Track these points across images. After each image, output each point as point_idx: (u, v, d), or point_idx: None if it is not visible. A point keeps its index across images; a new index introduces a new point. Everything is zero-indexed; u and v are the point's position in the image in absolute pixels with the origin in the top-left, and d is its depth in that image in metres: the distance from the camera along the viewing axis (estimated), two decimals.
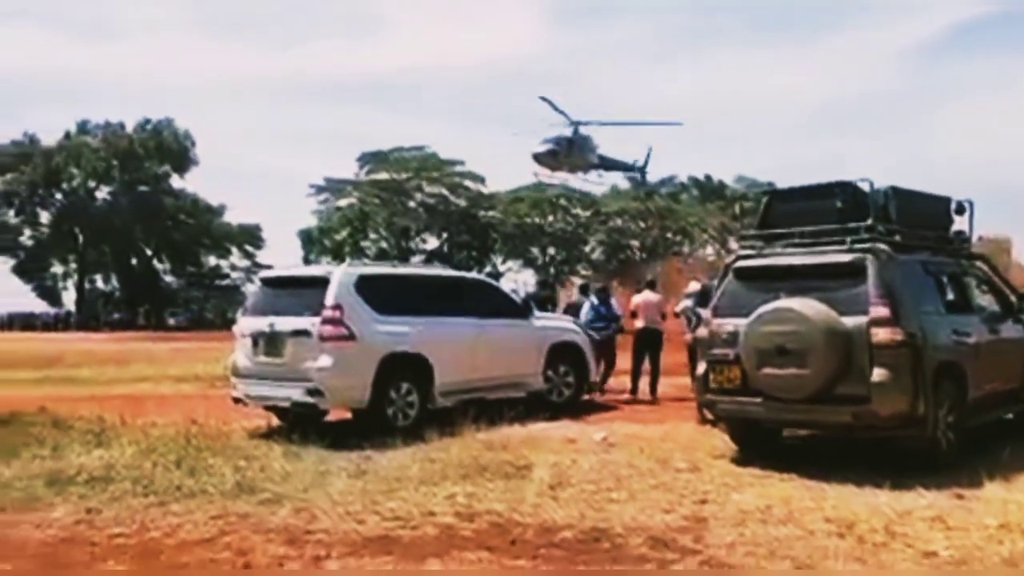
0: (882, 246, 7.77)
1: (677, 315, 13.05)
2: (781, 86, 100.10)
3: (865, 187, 8.33)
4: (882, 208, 8.27)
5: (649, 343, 13.32)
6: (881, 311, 7.40)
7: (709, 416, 9.33)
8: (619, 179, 63.28)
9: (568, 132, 46.88)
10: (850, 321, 7.44)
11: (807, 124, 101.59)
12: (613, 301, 14.49)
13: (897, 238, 8.12)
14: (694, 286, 12.95)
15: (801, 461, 7.82)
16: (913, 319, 7.51)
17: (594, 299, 14.04)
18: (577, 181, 53.03)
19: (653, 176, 64.56)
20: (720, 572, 5.06)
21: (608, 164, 51.68)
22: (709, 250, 57.70)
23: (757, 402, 7.83)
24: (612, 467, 7.91)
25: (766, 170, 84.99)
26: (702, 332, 8.65)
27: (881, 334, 7.34)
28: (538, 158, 48.27)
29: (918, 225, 8.56)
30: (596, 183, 53.48)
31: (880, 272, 7.54)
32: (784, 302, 7.69)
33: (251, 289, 12.09)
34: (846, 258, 7.74)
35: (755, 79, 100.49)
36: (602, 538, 5.74)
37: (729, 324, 8.15)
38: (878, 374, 7.30)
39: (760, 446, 8.42)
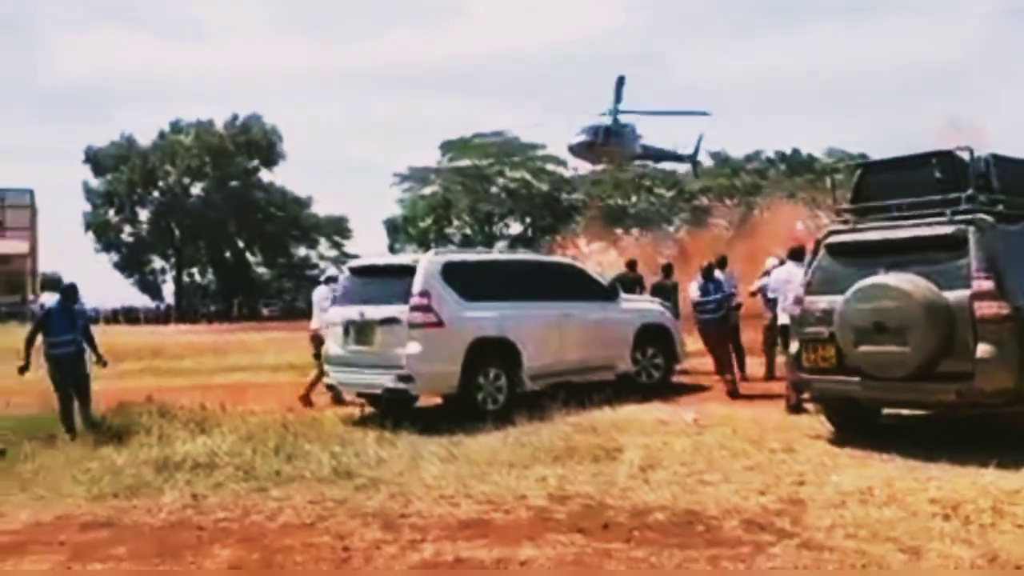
0: (984, 216, 7.45)
1: (753, 294, 12.67)
2: (866, 56, 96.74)
3: (964, 156, 7.99)
4: (983, 177, 7.93)
5: None
6: (984, 284, 7.11)
7: (804, 396, 9.08)
8: (703, 157, 62.28)
9: (607, 121, 43.90)
10: (952, 296, 7.18)
11: (897, 94, 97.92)
12: (721, 276, 12.69)
13: (1000, 208, 7.76)
14: (772, 262, 12.58)
15: (901, 441, 7.62)
16: (1019, 292, 7.18)
17: (699, 276, 12.38)
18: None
19: (738, 152, 63.21)
20: (819, 555, 4.95)
21: (653, 154, 48.30)
22: (799, 226, 56.16)
23: (854, 381, 7.63)
24: (704, 449, 7.82)
25: (857, 142, 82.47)
26: (794, 309, 8.45)
27: (985, 308, 7.07)
28: (574, 150, 45.51)
29: (1022, 193, 8.17)
30: None
31: (982, 244, 7.24)
32: (881, 278, 7.46)
33: (340, 279, 12.33)
34: (946, 230, 7.45)
35: (839, 50, 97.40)
36: (696, 521, 5.69)
37: (823, 301, 7.95)
38: (983, 350, 7.03)
39: (857, 426, 8.21)
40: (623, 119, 45.17)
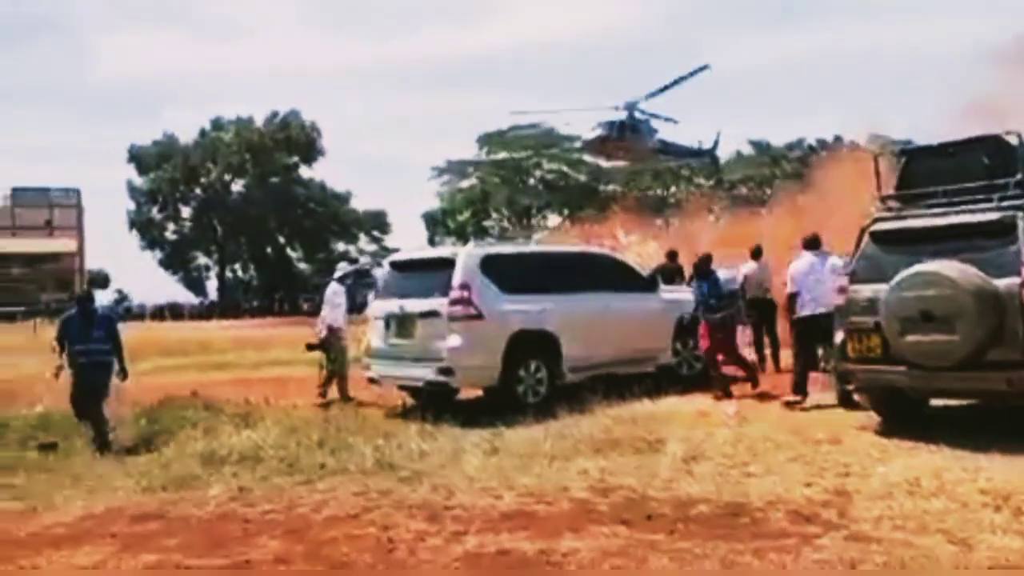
0: None
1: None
2: (906, 42, 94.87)
3: (1013, 140, 7.82)
4: None
5: (758, 315, 12.66)
6: None
7: (850, 387, 8.92)
8: (743, 144, 61.61)
9: (622, 115, 41.33)
10: (1001, 283, 7.04)
11: (938, 79, 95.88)
12: (755, 266, 12.85)
13: None
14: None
15: (949, 431, 7.47)
16: None
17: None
18: None
19: (779, 141, 62.27)
20: (867, 547, 4.89)
21: (672, 150, 46.10)
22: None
23: (901, 371, 7.51)
24: (747, 441, 7.77)
25: (901, 129, 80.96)
26: (838, 299, 8.33)
27: None
28: (588, 146, 43.83)
29: None
30: None
31: None
32: (927, 265, 7.33)
33: (380, 273, 12.45)
34: (994, 216, 7.31)
35: (876, 35, 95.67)
36: (740, 513, 5.65)
37: (867, 290, 7.83)
38: None
39: (904, 417, 8.09)
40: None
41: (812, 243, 10.12)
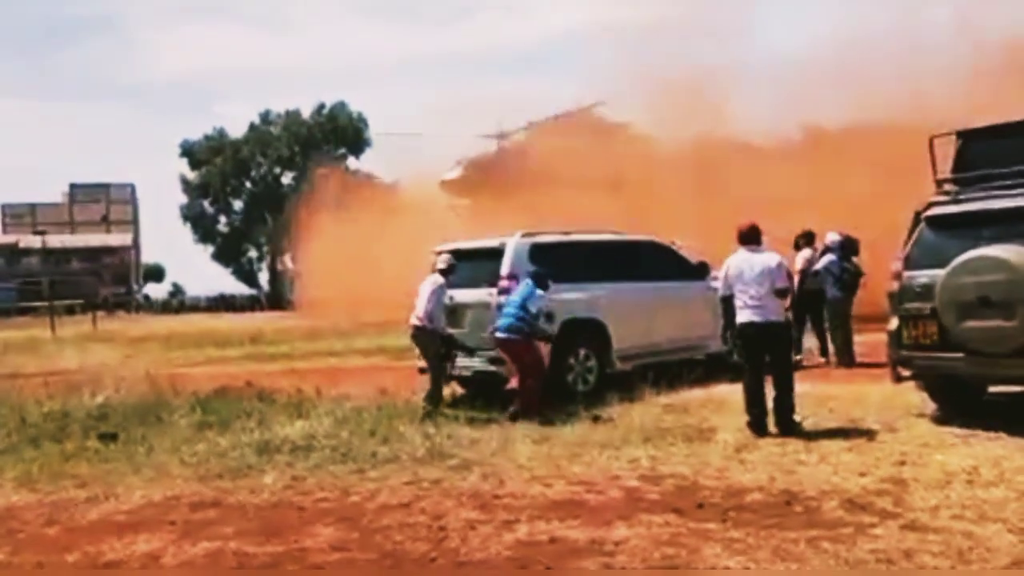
0: None
1: (816, 274, 12.07)
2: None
3: None
4: None
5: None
6: None
7: (904, 374, 8.75)
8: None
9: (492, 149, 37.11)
10: None
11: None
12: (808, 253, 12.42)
13: None
14: (832, 237, 12.11)
15: (1009, 419, 7.32)
16: None
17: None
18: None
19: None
20: (924, 537, 4.81)
21: None
22: None
23: (958, 357, 7.36)
24: (800, 429, 7.67)
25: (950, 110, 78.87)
26: (893, 286, 8.17)
27: None
28: (450, 188, 37.71)
29: None
30: None
31: None
32: (985, 250, 7.16)
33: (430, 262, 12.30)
34: None
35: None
36: (793, 501, 5.60)
37: (923, 276, 7.68)
38: None
39: (962, 404, 7.93)
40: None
41: (748, 236, 8.15)
